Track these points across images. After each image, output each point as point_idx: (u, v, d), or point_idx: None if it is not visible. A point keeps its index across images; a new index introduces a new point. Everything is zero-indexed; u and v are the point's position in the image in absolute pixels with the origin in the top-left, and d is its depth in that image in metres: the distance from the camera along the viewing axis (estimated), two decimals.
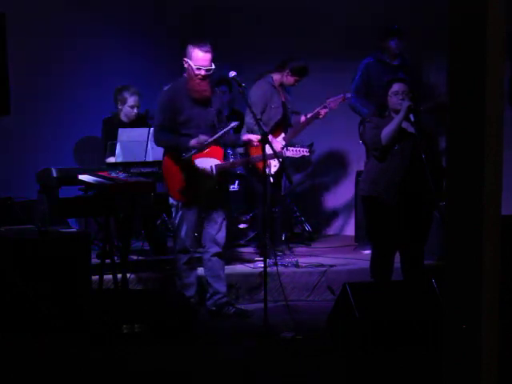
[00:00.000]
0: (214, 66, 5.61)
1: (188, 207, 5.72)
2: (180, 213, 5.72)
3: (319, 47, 7.99)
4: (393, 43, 7.27)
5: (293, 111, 7.07)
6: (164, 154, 5.77)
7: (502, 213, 2.80)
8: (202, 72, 5.58)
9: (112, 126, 6.77)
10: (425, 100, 7.04)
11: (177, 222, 5.76)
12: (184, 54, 5.64)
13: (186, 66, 5.63)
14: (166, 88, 5.69)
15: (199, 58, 5.58)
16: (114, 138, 6.49)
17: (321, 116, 6.95)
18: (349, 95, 7.06)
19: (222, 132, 5.63)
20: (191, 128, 5.66)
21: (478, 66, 2.67)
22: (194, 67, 5.57)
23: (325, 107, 6.90)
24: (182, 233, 5.74)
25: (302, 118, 7.05)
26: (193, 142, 5.61)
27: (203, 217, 5.82)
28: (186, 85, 5.66)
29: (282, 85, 6.95)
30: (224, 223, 5.83)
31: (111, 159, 6.57)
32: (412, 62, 7.47)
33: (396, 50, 7.29)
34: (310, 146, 6.66)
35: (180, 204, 5.72)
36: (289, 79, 6.90)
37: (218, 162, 5.74)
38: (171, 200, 5.78)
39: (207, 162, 5.71)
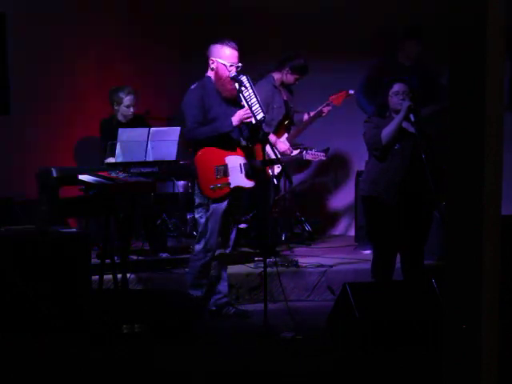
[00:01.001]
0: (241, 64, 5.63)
1: (218, 205, 5.63)
2: (209, 212, 5.61)
3: (319, 47, 7.99)
4: (411, 44, 7.20)
5: (295, 110, 7.07)
6: (197, 150, 5.60)
7: (502, 213, 2.80)
8: (234, 69, 5.56)
9: (110, 127, 6.77)
10: (440, 101, 6.99)
11: (203, 221, 5.63)
12: (209, 53, 5.61)
13: (213, 65, 5.58)
14: (193, 87, 5.64)
15: (230, 56, 5.57)
16: (111, 139, 6.48)
17: (324, 114, 6.94)
18: (352, 91, 7.02)
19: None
20: None
21: (478, 66, 2.67)
22: (228, 64, 5.56)
23: (328, 105, 6.89)
24: (208, 232, 5.63)
25: (305, 117, 7.05)
26: (234, 119, 5.55)
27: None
28: (214, 84, 5.61)
29: (282, 84, 6.95)
30: (234, 226, 5.84)
31: (111, 159, 6.57)
32: (427, 63, 7.41)
33: (413, 52, 7.22)
34: (327, 151, 6.65)
35: (210, 203, 5.61)
36: (289, 78, 6.90)
37: (245, 160, 5.71)
38: (199, 199, 5.63)
39: (236, 161, 5.68)
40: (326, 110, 6.91)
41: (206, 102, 5.59)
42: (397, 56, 7.27)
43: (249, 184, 5.75)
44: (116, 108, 6.82)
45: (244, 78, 5.55)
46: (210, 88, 5.63)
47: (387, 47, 7.37)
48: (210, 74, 5.66)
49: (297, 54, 6.91)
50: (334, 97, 6.92)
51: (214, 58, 5.61)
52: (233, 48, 5.59)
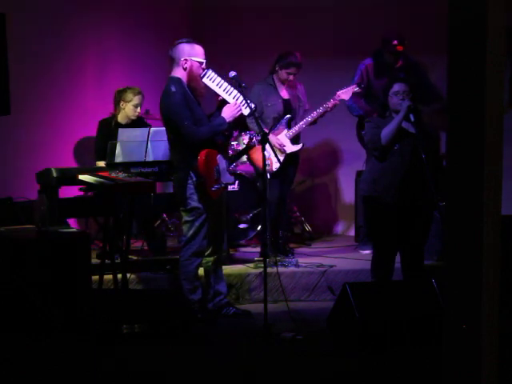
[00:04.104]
0: None
1: (214, 207, 5.58)
2: (204, 215, 5.53)
3: (319, 47, 8.00)
4: (389, 55, 7.23)
5: (305, 110, 7.06)
6: (197, 151, 5.45)
7: (502, 213, 2.80)
8: (204, 66, 5.54)
9: (108, 128, 6.77)
10: (430, 101, 6.99)
11: (198, 223, 5.53)
12: (178, 53, 5.49)
13: (186, 65, 5.49)
14: (173, 89, 5.45)
15: (202, 53, 5.52)
16: (107, 140, 6.48)
17: (329, 109, 6.92)
18: (362, 85, 7.01)
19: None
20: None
21: (478, 66, 2.67)
22: (203, 62, 5.51)
23: (334, 100, 6.86)
24: (201, 236, 5.55)
25: (313, 114, 7.01)
26: (226, 116, 5.49)
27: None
28: (187, 84, 5.53)
29: (283, 83, 6.99)
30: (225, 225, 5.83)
31: (101, 163, 6.57)
32: (416, 63, 7.41)
33: (392, 61, 7.25)
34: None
35: (206, 205, 5.52)
36: (281, 74, 6.97)
37: (224, 158, 5.67)
38: (194, 203, 5.51)
39: (222, 159, 5.62)
40: (330, 104, 6.87)
41: (189, 103, 5.49)
42: (385, 57, 7.26)
43: (232, 179, 5.76)
44: (122, 106, 6.79)
45: (211, 73, 5.52)
46: (186, 88, 5.52)
47: (375, 47, 7.37)
48: (180, 74, 5.52)
49: (286, 52, 6.96)
50: (341, 91, 6.88)
51: (187, 58, 5.49)
52: (200, 44, 5.55)
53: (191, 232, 5.56)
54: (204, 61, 5.53)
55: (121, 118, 6.84)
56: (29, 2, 7.24)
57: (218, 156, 5.59)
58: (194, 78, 5.54)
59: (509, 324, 4.62)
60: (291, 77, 6.95)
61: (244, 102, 5.51)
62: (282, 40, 7.85)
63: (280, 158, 6.76)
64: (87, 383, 4.40)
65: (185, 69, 5.52)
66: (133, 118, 6.81)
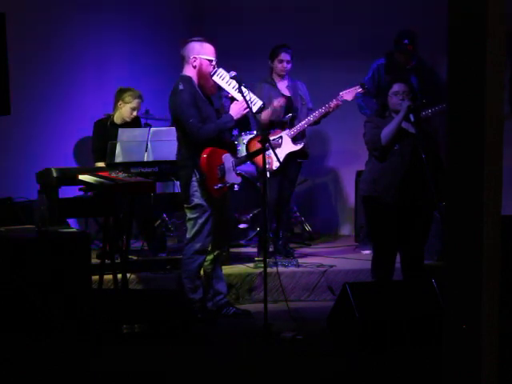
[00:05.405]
0: None
1: (216, 205, 5.57)
2: (207, 213, 5.53)
3: (319, 47, 8.00)
4: (400, 55, 7.23)
5: (309, 109, 7.05)
6: (202, 149, 5.46)
7: (502, 213, 2.80)
8: (214, 64, 5.55)
9: (104, 129, 6.77)
10: (441, 102, 6.98)
11: (201, 221, 5.52)
12: (188, 52, 5.51)
13: (195, 63, 5.50)
14: (181, 87, 5.45)
15: (212, 51, 5.53)
16: (103, 140, 6.48)
17: (331, 110, 6.90)
18: (366, 86, 6.98)
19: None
20: None
21: (478, 66, 2.67)
22: (213, 60, 5.52)
23: (337, 100, 6.84)
24: (205, 233, 5.55)
25: (316, 114, 7.00)
26: (234, 114, 5.49)
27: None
28: (197, 82, 5.53)
29: (281, 77, 6.98)
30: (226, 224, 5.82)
31: (100, 164, 6.57)
32: (428, 64, 7.40)
33: (403, 62, 7.24)
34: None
35: (209, 203, 5.52)
36: (276, 66, 6.98)
37: (233, 157, 5.65)
38: (198, 200, 5.51)
39: (229, 159, 5.61)
40: (332, 104, 6.85)
41: (197, 101, 5.48)
42: (395, 57, 7.26)
43: (239, 180, 5.73)
44: (119, 106, 6.80)
45: (221, 71, 5.51)
46: (195, 87, 5.53)
47: (386, 48, 7.36)
48: (190, 72, 5.54)
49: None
50: (344, 92, 6.84)
51: (196, 56, 5.50)
52: (211, 43, 5.55)
53: (194, 229, 5.56)
54: (214, 59, 5.53)
55: (116, 118, 6.84)
56: (29, 2, 7.24)
57: (225, 155, 5.59)
58: (204, 76, 5.54)
59: (509, 324, 4.63)
60: (284, 64, 6.94)
61: (254, 99, 5.51)
62: (282, 40, 7.84)
63: (280, 157, 6.77)
64: (87, 383, 4.40)
65: (194, 67, 5.54)
66: (127, 119, 6.81)
